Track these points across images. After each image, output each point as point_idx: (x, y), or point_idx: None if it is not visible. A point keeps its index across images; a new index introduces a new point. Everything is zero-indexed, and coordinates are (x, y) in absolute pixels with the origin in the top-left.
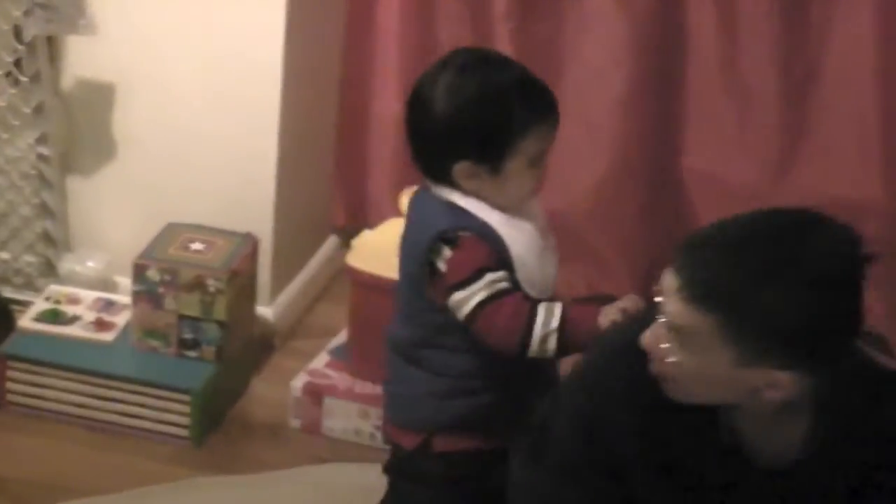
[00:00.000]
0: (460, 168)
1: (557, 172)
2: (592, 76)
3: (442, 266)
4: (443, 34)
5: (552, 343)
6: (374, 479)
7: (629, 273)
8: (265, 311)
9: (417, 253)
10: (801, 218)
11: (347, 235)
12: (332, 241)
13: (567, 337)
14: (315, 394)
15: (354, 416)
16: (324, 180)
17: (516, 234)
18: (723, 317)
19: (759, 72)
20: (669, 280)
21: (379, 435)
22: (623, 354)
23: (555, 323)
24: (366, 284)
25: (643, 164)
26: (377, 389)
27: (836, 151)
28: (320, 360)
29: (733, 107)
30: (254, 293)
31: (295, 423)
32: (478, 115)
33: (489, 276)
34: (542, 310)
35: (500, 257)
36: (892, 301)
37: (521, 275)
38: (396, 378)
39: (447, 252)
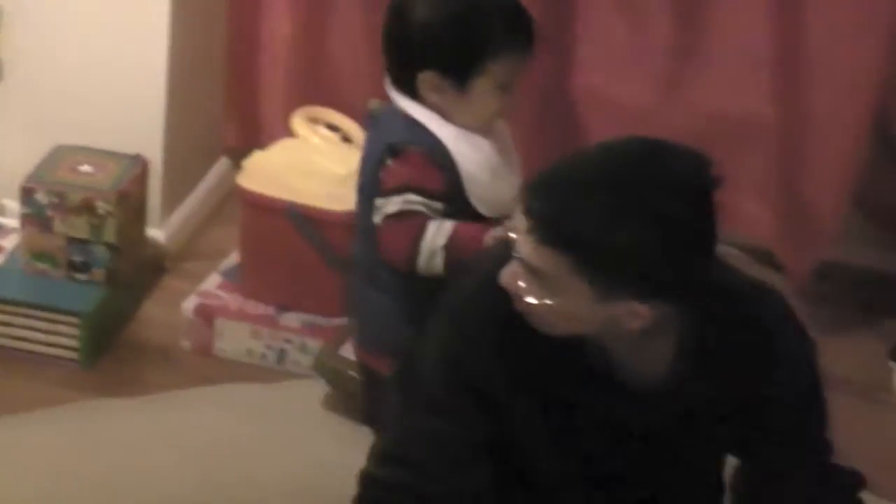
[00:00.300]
0: (424, 77)
1: None
2: None
3: (383, 176)
4: None
5: (439, 260)
6: (266, 399)
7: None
8: (156, 233)
9: (370, 165)
10: (648, 150)
11: (239, 157)
12: (223, 163)
13: (454, 255)
14: (206, 315)
15: (246, 336)
16: (215, 102)
17: (468, 151)
18: (575, 258)
19: None
20: (520, 221)
21: (270, 354)
22: (488, 283)
23: (441, 240)
24: (257, 205)
25: (531, 83)
26: (269, 310)
27: (726, 69)
28: (212, 282)
29: (623, 24)
30: (144, 215)
31: (186, 344)
32: (452, 29)
33: (409, 196)
34: (432, 227)
35: (447, 179)
36: (781, 209)
37: (471, 192)
38: (361, 302)
39: (389, 162)
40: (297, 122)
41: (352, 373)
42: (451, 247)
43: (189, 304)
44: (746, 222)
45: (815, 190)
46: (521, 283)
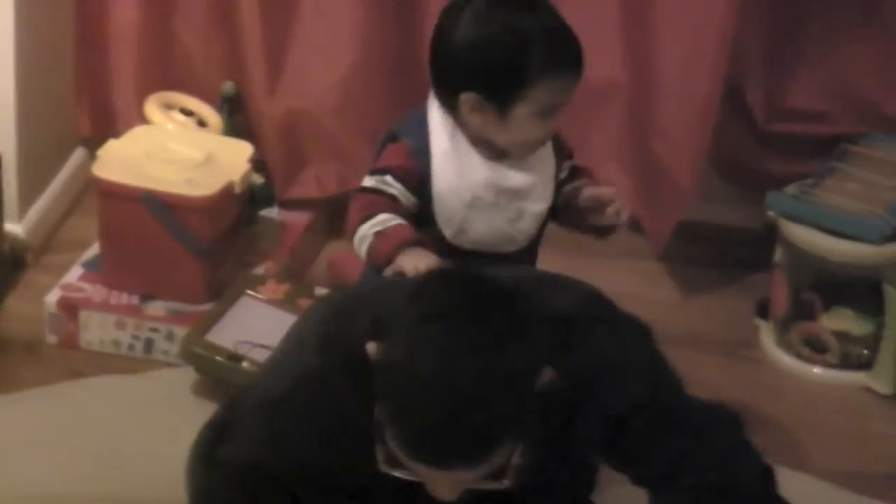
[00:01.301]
0: (466, 98)
1: (297, 69)
2: None
3: (377, 157)
4: None
5: (365, 247)
6: (136, 389)
7: None
8: (15, 227)
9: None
10: None
11: (95, 146)
12: (79, 153)
13: (373, 250)
14: (70, 308)
15: (111, 327)
16: (67, 91)
17: (450, 172)
18: None
19: None
20: None
21: (137, 344)
22: (315, 378)
23: (374, 229)
24: (113, 194)
25: (389, 53)
26: (133, 300)
27: (580, 36)
28: (74, 274)
29: None
30: (1, 210)
31: (52, 338)
32: (493, 53)
33: (387, 178)
34: (381, 216)
35: (420, 181)
36: (637, 172)
37: (438, 212)
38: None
39: (386, 146)
40: (151, 108)
41: (219, 358)
42: (378, 239)
43: (52, 297)
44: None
45: (671, 152)
46: None
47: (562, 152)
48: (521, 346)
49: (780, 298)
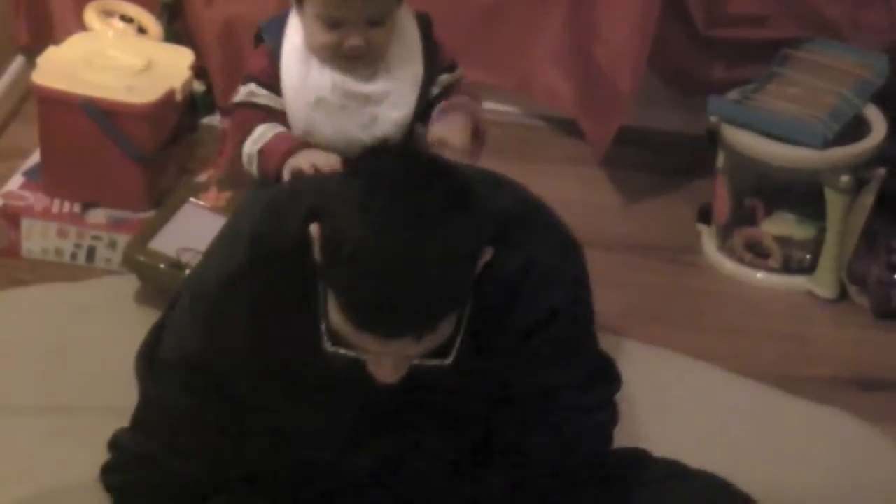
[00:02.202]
0: None
1: None
2: None
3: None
4: None
5: (255, 166)
6: (78, 297)
7: None
8: None
9: None
10: None
11: (34, 54)
12: (18, 61)
13: (262, 168)
14: (12, 216)
15: (53, 235)
16: None
17: (295, 72)
18: None
19: None
20: None
21: (79, 253)
22: (247, 269)
23: (256, 146)
24: (53, 102)
25: None
26: (74, 208)
27: None
28: (14, 183)
29: None
30: None
31: None
32: None
33: (252, 87)
34: (259, 129)
35: (274, 76)
36: (578, 78)
37: (287, 110)
38: None
39: (254, 48)
40: (90, 15)
41: (161, 266)
42: (262, 157)
43: None
44: (545, 92)
45: (611, 57)
46: None
47: (437, 63)
48: (465, 219)
49: (722, 204)
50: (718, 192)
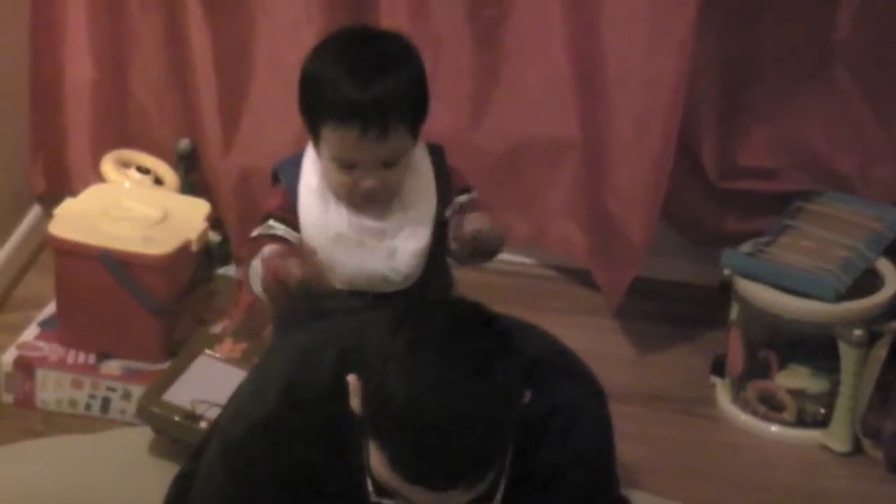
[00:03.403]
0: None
1: (252, 127)
2: (286, 29)
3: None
4: None
5: (258, 284)
6: (93, 449)
7: None
8: None
9: None
10: None
11: (51, 204)
12: (35, 211)
13: (262, 280)
14: (27, 367)
15: (68, 386)
16: (22, 149)
17: (314, 209)
18: None
19: (449, 17)
20: None
21: (94, 404)
22: (262, 427)
23: (258, 261)
24: (70, 252)
25: None
26: (89, 359)
27: (530, 93)
28: (30, 333)
29: (425, 54)
30: None
31: (8, 398)
32: (303, 83)
33: (270, 222)
34: (266, 248)
35: (291, 213)
36: (591, 229)
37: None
38: None
39: (271, 187)
40: (107, 166)
41: (176, 417)
42: (262, 272)
43: (8, 356)
44: (560, 243)
45: (624, 208)
46: None
47: (450, 190)
48: (512, 363)
49: (736, 356)
50: (732, 344)
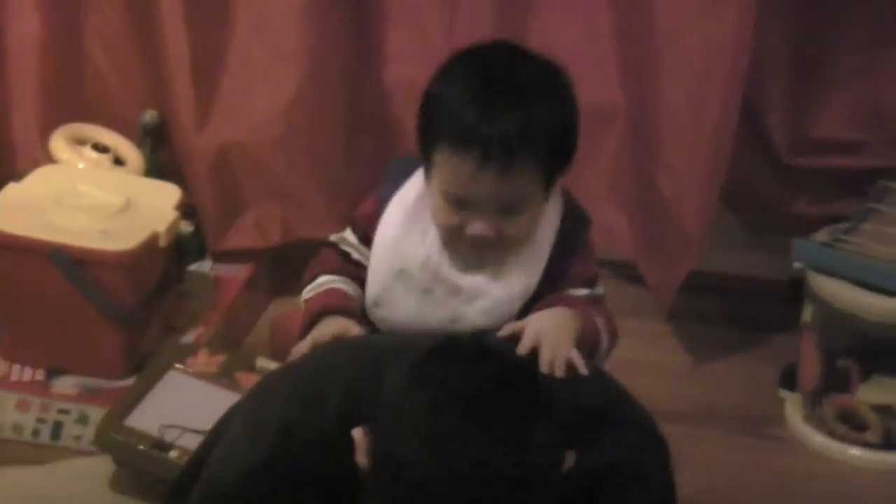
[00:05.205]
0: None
1: (233, 95)
2: None
3: None
4: None
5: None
6: (43, 483)
7: (329, 211)
8: None
9: None
10: None
11: None
12: None
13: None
14: None
15: (12, 408)
16: None
17: (392, 230)
18: None
19: None
20: None
21: (43, 429)
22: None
23: (307, 295)
24: (13, 249)
25: (339, 78)
26: (38, 375)
27: (564, 52)
28: None
29: (441, 9)
30: None
31: None
32: (422, 105)
33: (348, 231)
34: (320, 277)
35: (373, 226)
36: (639, 214)
37: (371, 265)
38: None
39: None
40: (58, 143)
41: (141, 446)
42: (305, 307)
43: None
44: (599, 230)
45: (677, 189)
46: None
47: (565, 277)
48: (543, 433)
49: (810, 366)
50: (805, 352)
